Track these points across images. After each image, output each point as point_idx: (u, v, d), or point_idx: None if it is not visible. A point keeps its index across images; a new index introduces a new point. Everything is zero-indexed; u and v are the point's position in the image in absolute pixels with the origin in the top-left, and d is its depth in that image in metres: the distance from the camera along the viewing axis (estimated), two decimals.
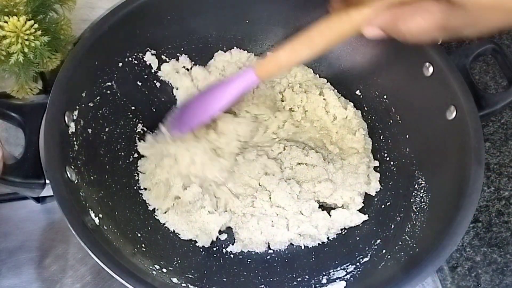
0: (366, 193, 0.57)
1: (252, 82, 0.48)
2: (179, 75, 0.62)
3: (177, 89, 0.62)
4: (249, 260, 0.54)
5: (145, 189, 0.56)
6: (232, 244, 0.54)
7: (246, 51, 0.65)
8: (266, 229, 0.54)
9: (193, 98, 0.56)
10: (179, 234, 0.54)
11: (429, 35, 0.37)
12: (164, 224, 0.54)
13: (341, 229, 0.55)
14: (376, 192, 0.57)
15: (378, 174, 0.58)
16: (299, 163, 0.57)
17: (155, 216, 0.54)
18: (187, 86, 0.62)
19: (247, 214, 0.55)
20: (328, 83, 0.64)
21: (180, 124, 0.55)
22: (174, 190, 0.54)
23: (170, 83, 0.62)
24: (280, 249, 0.54)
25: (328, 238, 0.55)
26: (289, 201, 0.54)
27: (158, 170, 0.56)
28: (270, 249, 0.54)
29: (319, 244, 0.55)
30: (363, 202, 0.57)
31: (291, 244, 0.54)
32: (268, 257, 0.54)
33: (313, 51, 0.44)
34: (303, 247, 0.54)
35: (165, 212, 0.54)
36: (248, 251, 0.54)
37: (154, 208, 0.55)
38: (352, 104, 0.63)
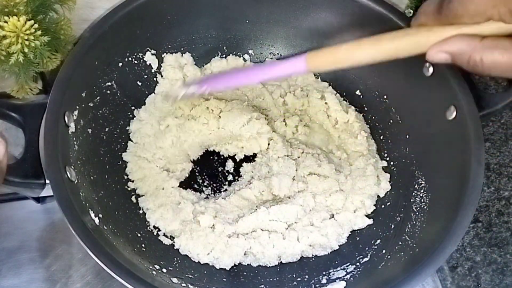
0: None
1: (299, 71, 0.45)
2: (172, 69, 0.61)
3: (162, 77, 0.61)
4: None
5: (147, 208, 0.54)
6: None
7: (242, 58, 0.65)
8: (277, 242, 0.52)
9: (235, 69, 0.55)
10: (193, 258, 0.51)
11: (503, 71, 0.36)
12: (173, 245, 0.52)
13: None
14: (385, 192, 0.57)
15: (388, 175, 0.57)
16: (311, 173, 0.56)
17: (158, 236, 0.53)
18: (176, 78, 0.61)
19: (258, 229, 0.53)
20: (330, 87, 0.64)
21: (207, 81, 0.50)
22: (184, 213, 0.52)
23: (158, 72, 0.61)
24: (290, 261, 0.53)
25: (339, 245, 0.53)
26: (301, 215, 0.54)
27: (161, 192, 0.53)
28: (281, 263, 0.52)
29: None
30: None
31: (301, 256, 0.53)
32: None
33: (376, 55, 0.42)
34: (310, 255, 0.53)
35: (173, 236, 0.52)
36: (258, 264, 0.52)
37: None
38: (353, 107, 0.62)
